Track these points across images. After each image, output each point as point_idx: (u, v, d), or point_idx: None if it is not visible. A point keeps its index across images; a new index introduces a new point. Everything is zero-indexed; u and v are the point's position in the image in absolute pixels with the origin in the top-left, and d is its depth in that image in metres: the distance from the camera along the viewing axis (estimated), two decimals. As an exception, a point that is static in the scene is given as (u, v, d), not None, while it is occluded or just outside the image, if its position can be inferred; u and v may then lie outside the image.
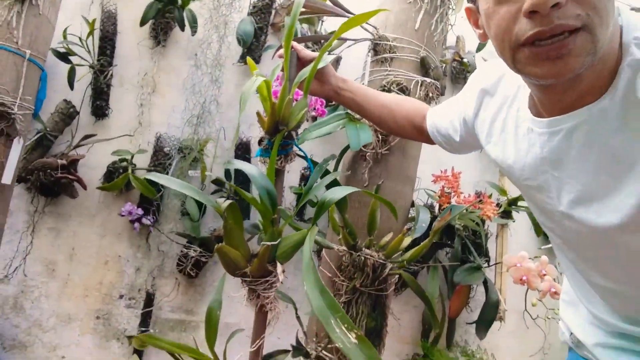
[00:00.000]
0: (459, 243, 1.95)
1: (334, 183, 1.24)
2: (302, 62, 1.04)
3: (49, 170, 1.56)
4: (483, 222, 1.96)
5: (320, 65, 0.96)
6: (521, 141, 0.70)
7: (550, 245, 2.03)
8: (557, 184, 0.65)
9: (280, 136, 0.91)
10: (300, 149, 1.03)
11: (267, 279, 0.94)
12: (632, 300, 0.67)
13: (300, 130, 1.12)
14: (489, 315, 1.92)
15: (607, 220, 0.59)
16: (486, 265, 2.03)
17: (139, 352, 1.68)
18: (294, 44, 1.03)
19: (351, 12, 1.53)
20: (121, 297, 1.75)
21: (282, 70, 0.99)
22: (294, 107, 0.94)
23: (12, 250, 1.61)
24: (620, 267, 0.65)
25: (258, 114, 0.96)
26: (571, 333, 0.83)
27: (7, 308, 1.62)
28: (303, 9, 1.54)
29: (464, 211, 1.94)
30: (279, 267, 0.93)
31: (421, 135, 1.05)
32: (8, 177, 1.19)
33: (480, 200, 1.81)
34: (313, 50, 1.81)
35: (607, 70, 0.55)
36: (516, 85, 0.72)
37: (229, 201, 0.91)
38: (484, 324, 1.92)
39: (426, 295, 1.45)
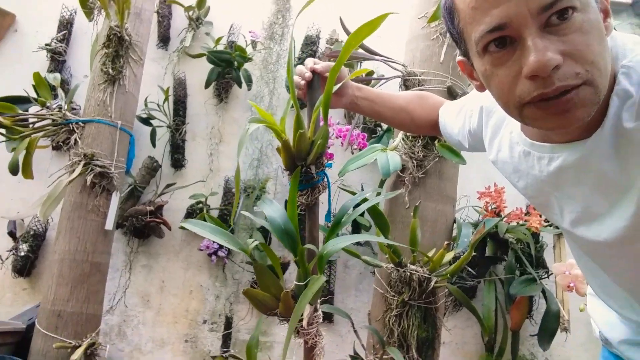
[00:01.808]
0: (512, 256, 2.00)
1: (373, 209, 1.33)
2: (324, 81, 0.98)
3: (140, 216, 1.87)
4: (536, 234, 2.01)
5: (335, 88, 0.93)
6: (518, 162, 0.71)
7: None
8: (559, 203, 0.67)
9: (296, 174, 0.93)
10: (328, 182, 1.03)
11: (301, 318, 0.94)
12: None
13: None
14: (550, 325, 1.93)
15: (605, 239, 0.61)
16: (545, 276, 2.06)
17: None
18: (316, 67, 0.98)
19: (378, 54, 1.72)
20: (204, 322, 2.00)
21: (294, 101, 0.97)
22: (315, 137, 0.95)
23: (115, 285, 1.93)
24: (629, 271, 0.67)
25: (278, 149, 0.97)
26: (600, 331, 0.85)
27: (113, 335, 1.93)
28: (334, 58, 1.76)
29: (516, 224, 2.01)
30: (307, 310, 0.94)
31: (438, 132, 1.05)
32: (110, 224, 1.49)
33: (527, 212, 1.87)
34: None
35: (604, 100, 0.55)
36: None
37: (256, 242, 0.97)
38: (546, 335, 1.94)
39: (473, 306, 1.55)
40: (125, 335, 1.93)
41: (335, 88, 0.96)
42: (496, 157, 0.78)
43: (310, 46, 2.09)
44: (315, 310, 1.01)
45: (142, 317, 1.96)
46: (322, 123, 0.99)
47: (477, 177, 2.04)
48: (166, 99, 1.99)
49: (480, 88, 0.66)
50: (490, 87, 0.59)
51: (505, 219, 1.97)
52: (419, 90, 1.69)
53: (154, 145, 1.99)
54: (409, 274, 1.54)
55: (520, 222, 1.96)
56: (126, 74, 1.63)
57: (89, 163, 1.48)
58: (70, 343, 1.43)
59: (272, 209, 1.02)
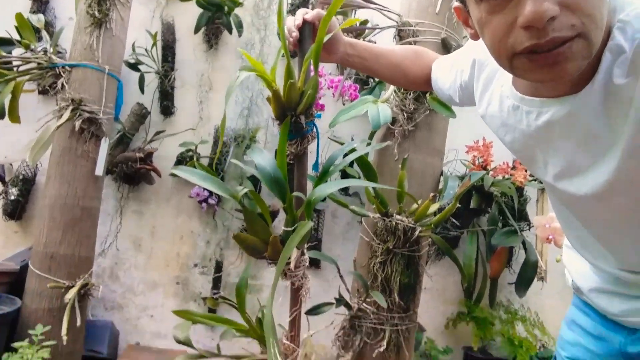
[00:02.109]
0: (496, 209, 2.06)
1: (362, 159, 1.36)
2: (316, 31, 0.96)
3: (130, 163, 1.88)
4: (520, 188, 2.06)
5: (326, 38, 0.93)
6: (507, 116, 0.71)
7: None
8: (544, 157, 0.68)
9: (285, 124, 0.95)
10: (317, 132, 1.05)
11: (288, 261, 0.98)
12: (623, 252, 0.70)
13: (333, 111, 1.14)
14: (528, 274, 2.02)
15: (585, 192, 0.63)
16: (527, 228, 2.13)
17: (212, 311, 1.99)
18: (307, 16, 0.97)
19: (373, 2, 1.68)
20: (195, 265, 2.06)
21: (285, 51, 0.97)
22: (305, 87, 0.96)
23: (106, 230, 1.96)
24: (607, 224, 0.69)
25: (268, 99, 0.98)
26: (572, 280, 0.87)
27: (105, 277, 1.98)
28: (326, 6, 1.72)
29: (501, 178, 2.05)
30: (294, 253, 0.98)
31: (430, 87, 1.05)
32: (100, 170, 1.50)
33: (513, 167, 1.91)
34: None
35: (596, 55, 0.55)
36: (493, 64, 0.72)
37: (246, 189, 0.98)
38: (523, 283, 2.03)
39: (454, 255, 1.61)
40: (118, 278, 1.99)
41: (326, 39, 0.95)
42: (485, 111, 0.78)
43: (302, -8, 2.04)
44: (302, 254, 1.06)
45: (134, 260, 2.01)
46: (312, 73, 1.00)
47: (465, 132, 2.06)
48: (154, 44, 1.95)
49: (475, 36, 0.65)
50: (484, 35, 0.58)
51: (492, 172, 2.01)
52: (413, 41, 1.67)
53: (142, 91, 1.96)
54: (394, 223, 1.58)
55: (506, 176, 2.01)
56: (113, 17, 1.58)
57: (77, 108, 1.47)
58: (64, 283, 1.47)
59: (262, 158, 1.04)
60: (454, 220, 2.09)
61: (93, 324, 1.73)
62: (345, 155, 1.20)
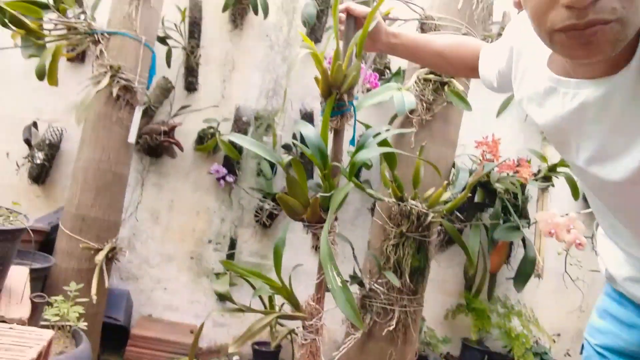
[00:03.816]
0: (499, 204, 2.15)
1: (384, 143, 1.46)
2: (360, 23, 1.08)
3: (154, 135, 1.93)
4: (523, 186, 2.15)
5: (370, 27, 1.02)
6: (543, 99, 0.72)
7: (589, 210, 2.19)
8: (575, 141, 0.68)
9: (332, 99, 1.05)
10: (355, 112, 1.16)
11: (323, 225, 1.06)
12: None
13: (358, 95, 1.26)
14: (526, 270, 2.12)
15: (615, 178, 0.63)
16: (526, 226, 2.22)
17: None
18: (351, 6, 1.07)
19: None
20: (210, 242, 2.12)
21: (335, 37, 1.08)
22: (348, 70, 1.06)
23: (127, 200, 2.00)
24: (636, 211, 0.69)
25: (316, 78, 1.08)
26: (606, 268, 0.87)
27: (123, 247, 2.03)
28: (360, -4, 1.79)
29: (506, 175, 2.14)
30: (332, 216, 1.04)
31: (475, 73, 1.07)
32: (132, 137, 1.56)
33: (518, 164, 2.00)
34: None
35: (633, 42, 0.55)
36: (538, 43, 0.71)
37: (290, 157, 1.13)
38: (521, 278, 2.12)
39: (464, 241, 1.70)
40: (135, 248, 2.05)
41: (371, 27, 1.04)
42: (522, 96, 0.80)
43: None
44: (335, 218, 1.14)
45: (151, 232, 2.07)
46: (355, 59, 1.08)
47: (474, 129, 2.14)
48: (183, 20, 2.01)
49: (518, 5, 0.65)
50: (527, 6, 0.59)
51: (497, 168, 2.10)
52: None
53: (169, 65, 2.02)
54: (409, 208, 1.66)
55: (510, 173, 2.10)
56: (152, -11, 1.64)
57: (114, 75, 1.52)
58: (94, 245, 1.53)
59: (308, 130, 1.13)
60: (458, 214, 2.17)
61: (111, 291, 1.78)
62: (376, 135, 1.30)
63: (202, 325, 1.19)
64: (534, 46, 0.76)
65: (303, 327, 1.20)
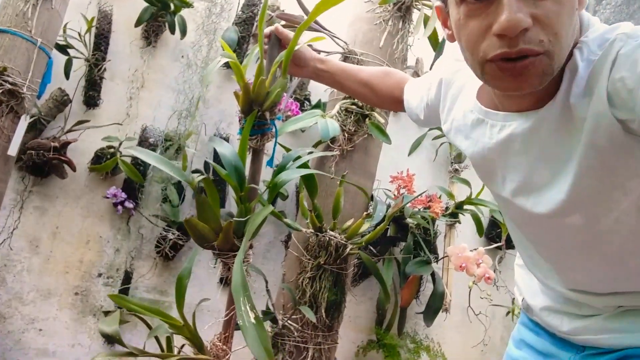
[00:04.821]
0: (411, 239, 2.18)
1: (305, 167, 1.40)
2: (284, 46, 1.09)
3: (42, 151, 1.68)
4: (433, 221, 2.21)
5: (296, 47, 1.03)
6: (471, 130, 0.73)
7: (492, 246, 2.30)
8: (502, 172, 0.70)
9: (252, 115, 1.00)
10: (276, 131, 1.11)
11: (236, 253, 1.00)
12: (573, 272, 0.73)
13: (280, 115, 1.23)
14: (436, 304, 2.15)
15: (541, 210, 0.65)
16: (435, 260, 2.27)
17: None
18: (277, 27, 1.09)
19: (325, 28, 1.76)
20: (100, 275, 1.87)
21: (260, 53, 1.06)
22: (272, 87, 1.03)
23: (0, 225, 1.71)
24: (558, 244, 0.71)
25: (235, 93, 1.04)
26: (523, 298, 0.89)
27: (-12, 280, 1.71)
28: (282, 22, 1.77)
29: (417, 210, 2.18)
30: (247, 243, 0.99)
31: (399, 106, 1.09)
32: (14, 149, 1.33)
33: (430, 200, 2.05)
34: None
35: (557, 77, 0.58)
36: (467, 76, 0.75)
37: (202, 176, 1.03)
38: (430, 312, 2.15)
39: (380, 273, 1.67)
40: (5, 282, 1.73)
41: (297, 47, 1.05)
42: (450, 127, 0.81)
43: (251, 7, 2.06)
44: (250, 246, 1.05)
45: (27, 263, 1.76)
46: (280, 77, 1.06)
47: (388, 166, 2.18)
48: (88, 30, 1.82)
49: (451, 38, 0.67)
50: (460, 37, 0.61)
51: (409, 204, 2.14)
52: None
53: (67, 77, 1.80)
54: (327, 239, 1.60)
55: (422, 208, 2.15)
56: (54, -11, 1.46)
57: (-2, 76, 1.30)
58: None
59: (223, 147, 1.06)
60: (371, 248, 2.16)
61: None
62: (296, 158, 1.25)
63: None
64: (463, 79, 0.79)
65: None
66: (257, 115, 1.06)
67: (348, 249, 1.61)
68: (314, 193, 1.56)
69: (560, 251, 0.72)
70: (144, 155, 0.99)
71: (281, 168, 1.13)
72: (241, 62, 2.05)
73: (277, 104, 1.10)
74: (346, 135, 1.71)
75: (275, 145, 1.18)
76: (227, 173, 1.05)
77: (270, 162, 1.21)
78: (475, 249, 2.01)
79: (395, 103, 1.10)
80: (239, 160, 1.02)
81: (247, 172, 1.12)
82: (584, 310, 0.74)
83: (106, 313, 1.83)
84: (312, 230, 1.62)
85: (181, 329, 1.06)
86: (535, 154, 0.64)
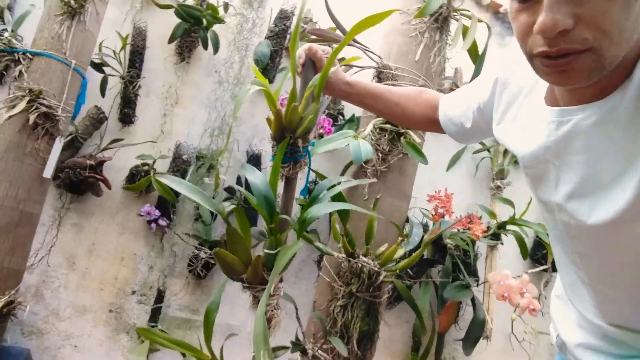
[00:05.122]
0: (449, 261, 2.08)
1: (339, 196, 1.34)
2: (319, 66, 1.03)
3: (78, 170, 1.70)
4: (473, 243, 2.09)
5: (331, 70, 0.98)
6: (531, 130, 0.70)
7: (537, 269, 2.16)
8: (556, 173, 0.66)
9: (284, 143, 0.95)
10: (309, 159, 1.05)
11: (264, 287, 0.94)
12: (616, 301, 0.68)
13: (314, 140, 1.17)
14: (476, 332, 2.03)
15: (597, 217, 0.60)
16: (475, 284, 2.15)
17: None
18: (311, 49, 1.02)
19: (358, 42, 1.69)
20: (134, 292, 1.88)
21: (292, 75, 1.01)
22: (305, 113, 0.97)
23: (39, 241, 1.74)
24: (605, 265, 0.66)
25: (268, 119, 0.98)
26: (557, 335, 0.84)
27: (28, 295, 1.74)
28: (313, 37, 1.72)
29: (456, 231, 2.08)
30: (276, 278, 0.93)
31: (432, 126, 1.05)
32: (49, 172, 1.34)
33: (470, 221, 1.95)
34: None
35: (628, 65, 0.55)
36: (535, 78, 0.72)
37: (232, 206, 0.99)
38: (470, 341, 2.03)
39: (416, 303, 1.58)
40: (43, 298, 1.76)
41: (331, 70, 1.00)
42: (503, 127, 0.79)
43: (283, 20, 2.02)
44: (280, 280, 1.00)
45: (64, 279, 1.79)
46: (313, 102, 1.00)
47: (425, 183, 2.09)
48: (123, 47, 1.83)
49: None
50: (513, 28, 0.61)
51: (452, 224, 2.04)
52: (392, 84, 1.69)
53: (103, 94, 1.82)
54: (360, 265, 1.53)
55: (462, 230, 2.04)
56: (88, 10, 1.46)
57: (33, 100, 1.31)
58: (-16, 298, 1.27)
59: (254, 176, 1.02)
60: (408, 270, 2.07)
61: (6, 350, 1.49)
62: (331, 187, 1.19)
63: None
64: (523, 80, 0.76)
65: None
66: (289, 143, 0.99)
67: (382, 277, 1.54)
68: (346, 218, 1.50)
69: (605, 274, 0.67)
70: (176, 184, 0.95)
71: (313, 199, 1.07)
72: (274, 77, 2.03)
73: (310, 131, 1.04)
74: (380, 155, 1.63)
75: (308, 173, 1.13)
76: (257, 203, 1.00)
77: (303, 192, 1.15)
78: (519, 276, 1.89)
79: (428, 122, 1.07)
80: (270, 190, 0.96)
81: (279, 201, 1.08)
82: (623, 350, 0.69)
83: (139, 334, 1.83)
84: (344, 255, 1.55)
85: (207, 366, 1.02)
86: (598, 151, 0.59)
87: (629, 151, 0.56)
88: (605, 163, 0.59)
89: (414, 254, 1.53)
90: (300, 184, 1.12)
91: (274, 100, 0.97)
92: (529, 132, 0.70)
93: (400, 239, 1.59)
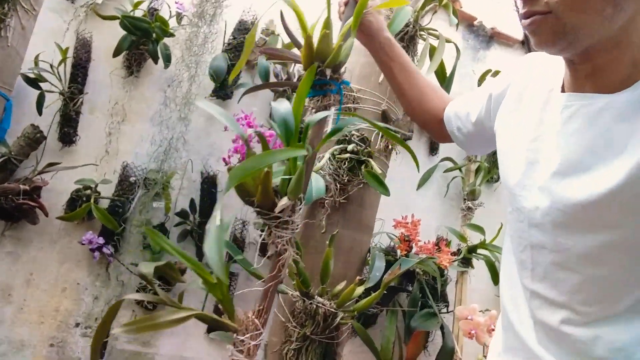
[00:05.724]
0: (417, 288, 1.98)
1: None
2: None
3: (10, 196, 1.56)
4: (442, 270, 1.99)
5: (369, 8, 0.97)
6: (539, 115, 0.72)
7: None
8: (548, 151, 0.67)
9: (313, 68, 0.85)
10: (341, 96, 0.95)
11: (279, 215, 0.80)
12: (551, 309, 0.67)
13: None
14: (444, 361, 1.94)
15: (580, 197, 0.61)
16: (445, 310, 2.06)
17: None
18: None
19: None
20: (77, 325, 1.74)
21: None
22: (342, 45, 0.91)
23: (-33, 273, 1.60)
24: (557, 260, 0.66)
25: (300, 48, 0.92)
26: None
27: (-45, 332, 1.60)
28: (268, 55, 1.58)
29: (425, 257, 1.97)
30: (283, 200, 0.80)
31: (438, 124, 1.03)
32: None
33: (438, 249, 1.84)
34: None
35: (634, 64, 0.59)
36: (534, 73, 0.78)
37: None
38: (438, 370, 1.94)
39: (375, 346, 1.48)
40: (-28, 334, 1.62)
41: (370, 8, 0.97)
42: (515, 106, 0.78)
43: (243, 32, 1.88)
44: (292, 209, 0.86)
45: (-2, 313, 1.65)
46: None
47: (394, 203, 1.97)
48: (63, 60, 1.67)
49: None
50: None
51: (416, 249, 1.94)
52: (353, 107, 1.57)
53: (39, 112, 1.66)
54: (315, 306, 1.42)
55: (429, 256, 1.93)
56: (11, 25, 1.31)
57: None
58: None
59: (279, 102, 0.88)
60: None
61: None
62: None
63: None
64: (533, 71, 0.78)
65: (234, 344, 0.85)
66: (317, 71, 0.89)
67: (338, 319, 1.43)
68: (299, 256, 1.38)
69: (554, 270, 0.67)
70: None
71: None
72: (231, 92, 1.88)
73: (342, 63, 0.93)
74: (338, 185, 1.51)
75: (339, 113, 1.02)
76: (277, 125, 0.87)
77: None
78: (487, 310, 1.80)
79: (433, 122, 1.04)
80: (291, 115, 0.84)
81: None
82: None
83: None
84: (299, 294, 1.44)
85: (213, 288, 0.85)
86: (592, 137, 0.62)
87: (620, 143, 0.59)
88: (595, 149, 0.61)
89: (373, 295, 1.43)
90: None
91: (305, 25, 0.88)
92: (536, 117, 0.72)
93: (358, 278, 1.48)
